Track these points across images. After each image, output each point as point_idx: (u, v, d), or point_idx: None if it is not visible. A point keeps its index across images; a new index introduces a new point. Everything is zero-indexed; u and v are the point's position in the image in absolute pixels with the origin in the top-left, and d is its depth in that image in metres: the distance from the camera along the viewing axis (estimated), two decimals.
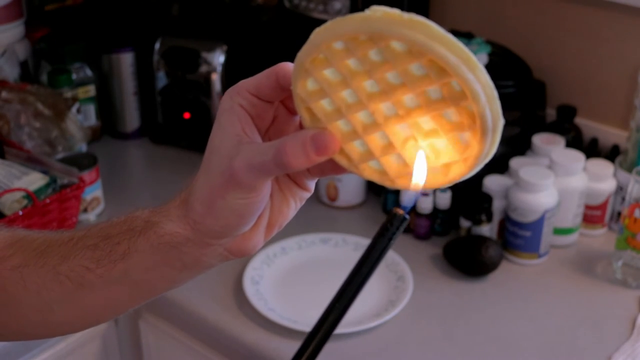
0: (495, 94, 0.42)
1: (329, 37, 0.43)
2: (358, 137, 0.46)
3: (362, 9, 0.41)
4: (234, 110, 0.47)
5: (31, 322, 0.57)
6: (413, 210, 1.28)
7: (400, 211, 0.44)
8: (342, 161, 0.47)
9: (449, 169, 0.45)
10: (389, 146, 0.46)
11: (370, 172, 0.48)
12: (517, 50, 1.39)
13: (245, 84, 0.47)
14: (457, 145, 0.44)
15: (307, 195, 0.52)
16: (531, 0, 1.42)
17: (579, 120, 1.39)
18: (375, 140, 0.46)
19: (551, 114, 1.41)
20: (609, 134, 1.38)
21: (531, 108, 1.36)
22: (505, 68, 1.36)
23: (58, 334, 0.61)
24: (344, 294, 0.44)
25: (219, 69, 1.47)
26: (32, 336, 0.62)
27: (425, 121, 0.44)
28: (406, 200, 0.45)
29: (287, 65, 0.46)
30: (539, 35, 1.42)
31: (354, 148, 0.47)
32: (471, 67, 0.41)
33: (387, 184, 0.47)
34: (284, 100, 0.49)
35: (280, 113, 0.50)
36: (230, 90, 0.48)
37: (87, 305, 0.54)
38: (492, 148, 0.44)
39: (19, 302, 0.55)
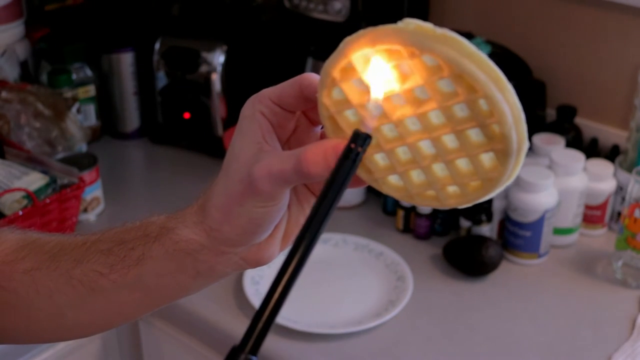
0: (522, 116, 0.41)
1: (359, 46, 0.42)
2: (380, 150, 0.45)
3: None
4: (255, 118, 0.47)
5: (42, 326, 0.56)
6: (413, 209, 1.28)
7: (364, 129, 0.43)
8: (362, 174, 0.46)
9: (469, 189, 0.45)
10: (411, 161, 0.45)
11: (390, 186, 0.46)
12: (517, 50, 1.39)
13: (268, 92, 0.47)
14: (479, 165, 0.43)
15: None
16: (531, 0, 1.42)
17: (579, 120, 1.39)
18: (397, 155, 0.45)
19: (551, 114, 1.41)
20: (609, 134, 1.38)
21: (531, 108, 1.36)
22: (505, 68, 1.35)
23: (69, 338, 0.60)
24: (313, 222, 0.43)
25: (219, 69, 1.47)
26: (42, 339, 0.61)
27: (449, 139, 0.43)
28: (367, 120, 0.44)
29: (312, 76, 0.46)
30: (539, 35, 1.42)
31: (376, 161, 0.46)
32: (500, 86, 0.40)
33: (406, 200, 0.46)
34: (306, 111, 0.49)
35: (302, 123, 0.49)
36: (253, 97, 0.47)
37: (99, 310, 0.54)
38: (514, 170, 0.43)
39: (30, 306, 0.55)
